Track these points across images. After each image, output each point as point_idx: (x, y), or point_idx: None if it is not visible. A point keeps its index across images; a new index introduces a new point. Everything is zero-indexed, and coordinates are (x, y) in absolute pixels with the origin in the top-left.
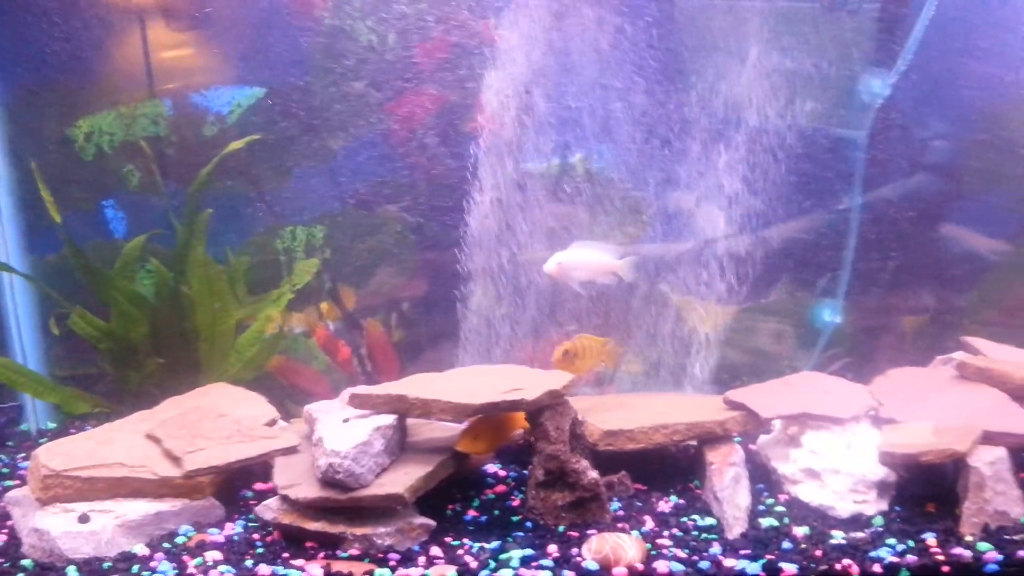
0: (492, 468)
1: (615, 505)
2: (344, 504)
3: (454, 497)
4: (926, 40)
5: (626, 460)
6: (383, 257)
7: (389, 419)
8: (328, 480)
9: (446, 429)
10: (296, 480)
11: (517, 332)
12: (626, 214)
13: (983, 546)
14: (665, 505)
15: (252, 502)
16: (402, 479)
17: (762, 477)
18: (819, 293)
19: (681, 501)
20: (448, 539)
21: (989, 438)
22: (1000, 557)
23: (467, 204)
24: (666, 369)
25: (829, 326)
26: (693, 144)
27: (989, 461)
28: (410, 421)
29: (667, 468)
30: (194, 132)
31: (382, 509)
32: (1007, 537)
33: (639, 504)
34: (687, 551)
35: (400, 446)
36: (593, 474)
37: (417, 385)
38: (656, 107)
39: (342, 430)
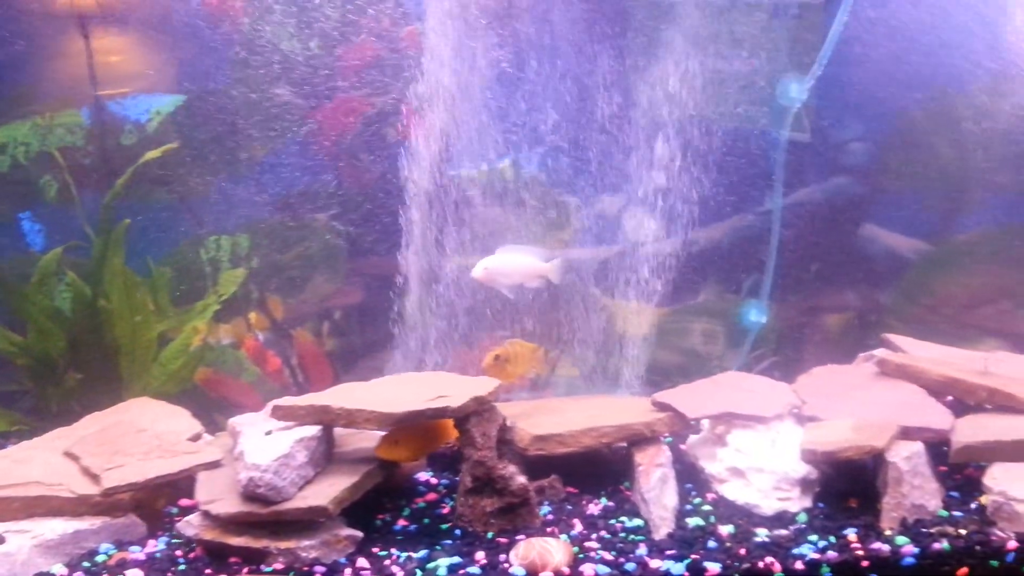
0: (424, 476)
1: (545, 509)
2: (266, 518)
3: (384, 507)
4: (843, 44)
5: (559, 464)
6: (312, 266)
7: (313, 430)
8: (249, 494)
9: (375, 439)
10: (218, 495)
11: (451, 338)
12: (556, 218)
13: (901, 540)
14: (595, 508)
15: (177, 518)
16: (327, 491)
17: (691, 477)
18: (745, 294)
19: (611, 503)
20: (376, 549)
21: (907, 433)
22: (916, 550)
23: (397, 211)
24: (601, 372)
25: (755, 326)
26: (623, 148)
27: (906, 456)
28: (339, 431)
29: (600, 471)
30: (112, 141)
31: (306, 522)
32: (924, 530)
33: (570, 507)
34: (614, 553)
35: (326, 457)
36: (521, 479)
37: (342, 395)
38: (586, 111)
39: (264, 443)
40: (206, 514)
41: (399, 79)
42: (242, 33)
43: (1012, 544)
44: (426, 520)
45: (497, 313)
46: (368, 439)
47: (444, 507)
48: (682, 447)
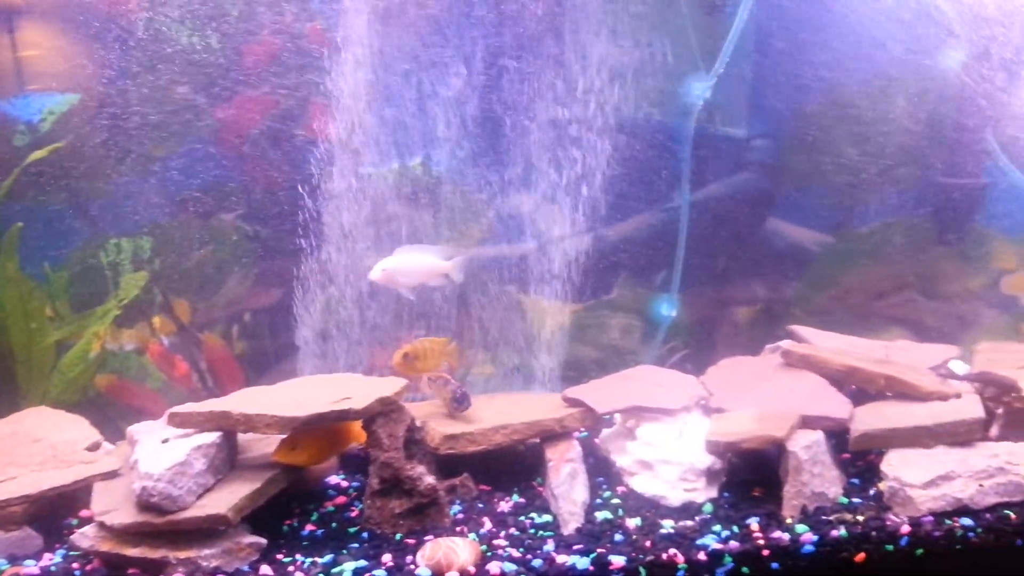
0: (335, 479)
1: (456, 508)
2: (162, 528)
3: (293, 512)
4: (746, 41)
5: (475, 462)
6: (220, 267)
7: (212, 437)
8: (144, 504)
9: None
10: (115, 505)
11: (366, 339)
12: (468, 216)
13: (800, 528)
14: (506, 505)
15: (76, 530)
16: (227, 498)
17: (604, 471)
18: (657, 288)
19: (522, 500)
20: (280, 556)
21: (808, 422)
22: (815, 538)
23: (306, 210)
24: (517, 369)
25: (666, 320)
26: (534, 145)
27: (805, 445)
28: (244, 437)
29: (515, 468)
30: (3, 142)
31: (207, 530)
32: (824, 518)
33: (481, 506)
34: (522, 550)
35: (228, 464)
36: (430, 479)
37: (243, 400)
38: (497, 108)
39: (159, 451)
40: (102, 525)
41: (305, 76)
42: (140, 29)
43: (905, 528)
44: (334, 524)
45: (412, 312)
46: (274, 444)
47: (353, 510)
48: (596, 441)
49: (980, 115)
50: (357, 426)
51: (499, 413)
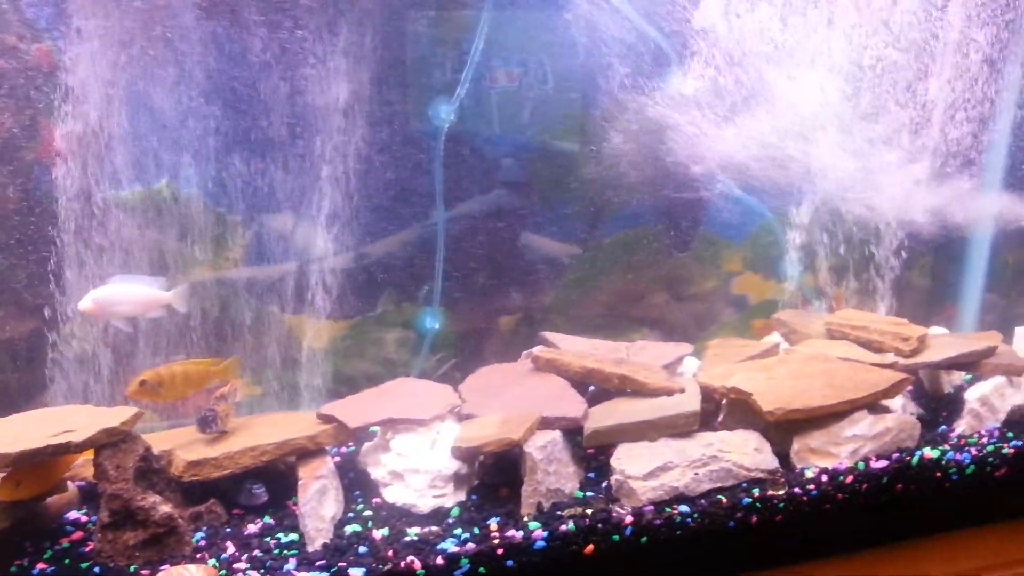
0: (74, 515)
1: (199, 535)
2: None
3: (26, 551)
4: (491, 63)
5: (233, 486)
6: None
7: None
8: None
9: None
10: None
11: (117, 368)
12: (222, 238)
13: (533, 525)
14: (255, 527)
15: None
16: None
17: (362, 484)
18: (421, 302)
19: (272, 521)
20: None
21: (547, 423)
22: (546, 534)
23: (42, 238)
24: (285, 389)
25: (431, 333)
26: (291, 164)
27: (541, 445)
28: None
29: (274, 488)
30: None
31: None
32: (558, 513)
33: (229, 530)
34: (263, 571)
35: None
36: (165, 509)
37: None
38: (250, 127)
39: None
40: None
41: (36, 99)
42: None
43: (628, 519)
44: (67, 560)
45: (170, 338)
46: None
47: (90, 544)
48: (358, 457)
49: (699, 138)
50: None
51: (253, 435)
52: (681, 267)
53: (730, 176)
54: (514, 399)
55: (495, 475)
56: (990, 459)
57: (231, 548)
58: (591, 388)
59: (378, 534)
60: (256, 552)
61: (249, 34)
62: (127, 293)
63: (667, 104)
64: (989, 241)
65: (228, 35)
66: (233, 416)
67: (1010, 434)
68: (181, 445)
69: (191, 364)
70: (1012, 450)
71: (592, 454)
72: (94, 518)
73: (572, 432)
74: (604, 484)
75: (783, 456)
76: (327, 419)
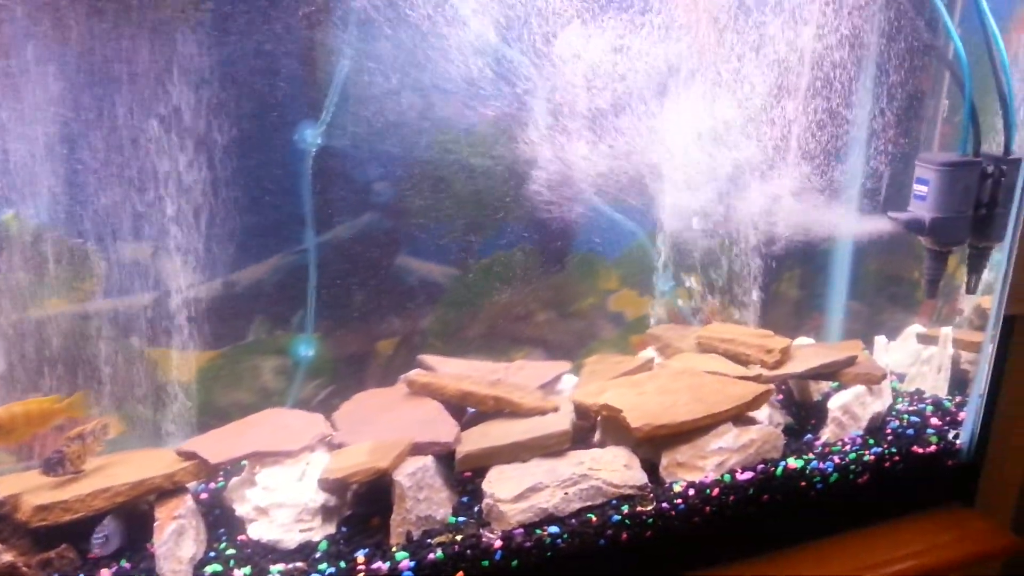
0: None
1: None
2: None
3: None
4: (359, 87)
5: (90, 528)
6: None
7: None
8: None
9: None
10: None
11: None
12: (77, 270)
13: (400, 555)
14: (108, 572)
15: None
16: None
17: (227, 522)
18: (294, 329)
19: (127, 565)
20: None
21: (419, 449)
22: (412, 564)
23: None
24: (149, 425)
25: (305, 360)
26: (151, 192)
27: (410, 472)
28: None
29: (137, 529)
30: None
31: None
32: (429, 541)
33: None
34: None
35: None
36: (7, 557)
37: None
38: (110, 155)
39: None
40: None
41: None
42: None
43: (498, 544)
44: None
45: (20, 376)
46: None
47: None
48: (224, 493)
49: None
50: None
51: (107, 475)
52: (560, 285)
53: (602, 195)
54: (387, 425)
55: (368, 505)
56: (852, 467)
57: None
58: (470, 410)
59: (239, 573)
60: None
61: (118, 59)
62: None
63: (536, 124)
64: (851, 251)
65: (78, 52)
66: (93, 454)
67: (871, 441)
68: (32, 488)
69: (32, 403)
70: (873, 457)
71: (468, 477)
72: None
73: (447, 457)
74: (476, 508)
75: (653, 471)
76: (188, 455)
